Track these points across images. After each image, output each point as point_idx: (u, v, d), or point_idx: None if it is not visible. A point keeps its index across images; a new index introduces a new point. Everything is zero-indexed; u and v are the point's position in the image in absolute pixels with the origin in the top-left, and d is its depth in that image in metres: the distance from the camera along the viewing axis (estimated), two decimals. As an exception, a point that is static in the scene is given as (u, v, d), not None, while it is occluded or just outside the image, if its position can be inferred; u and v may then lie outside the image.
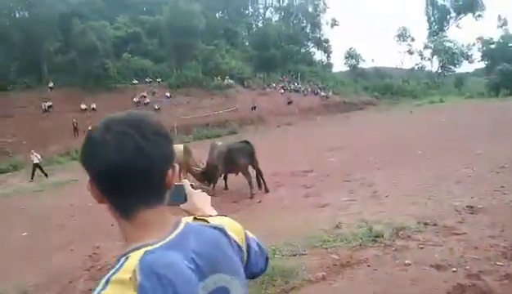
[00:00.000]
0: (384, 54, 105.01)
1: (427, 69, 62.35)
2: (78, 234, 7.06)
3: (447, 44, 54.51)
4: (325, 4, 57.53)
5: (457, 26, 57.95)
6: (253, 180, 8.48)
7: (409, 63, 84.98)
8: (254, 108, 35.70)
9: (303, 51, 54.17)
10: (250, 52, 47.34)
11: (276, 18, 59.73)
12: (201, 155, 10.25)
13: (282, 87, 41.22)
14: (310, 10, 57.73)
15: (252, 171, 8.57)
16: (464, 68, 63.25)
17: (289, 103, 38.46)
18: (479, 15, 54.52)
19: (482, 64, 58.25)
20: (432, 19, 58.42)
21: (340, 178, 8.99)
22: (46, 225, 8.03)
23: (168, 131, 0.88)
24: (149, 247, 0.79)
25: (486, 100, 33.11)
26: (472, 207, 5.44)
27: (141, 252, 0.78)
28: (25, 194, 12.85)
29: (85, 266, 5.35)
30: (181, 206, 1.13)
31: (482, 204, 5.48)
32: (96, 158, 0.80)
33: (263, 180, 8.55)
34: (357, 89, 47.51)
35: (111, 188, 0.82)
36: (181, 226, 0.88)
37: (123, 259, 0.79)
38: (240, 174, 8.70)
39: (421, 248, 4.38)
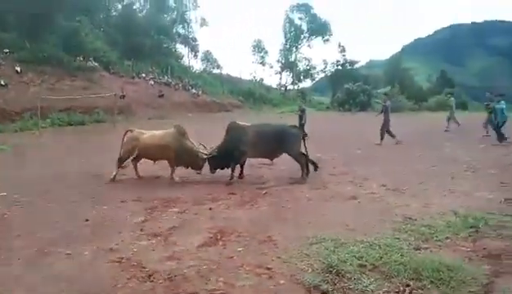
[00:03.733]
0: (241, 62, 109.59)
1: (275, 81, 67.88)
2: None
3: (303, 61, 60.56)
4: (195, 1, 56.67)
5: (308, 46, 64.52)
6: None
7: (261, 74, 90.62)
8: (123, 96, 32.56)
9: (172, 45, 52.06)
10: (114, 36, 43.18)
11: (137, 5, 55.80)
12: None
13: (152, 79, 38.74)
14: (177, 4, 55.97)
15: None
16: (304, 84, 71.10)
17: (161, 96, 36.41)
18: (327, 40, 61.93)
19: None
20: (288, 35, 63.58)
21: (326, 172, 8.61)
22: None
23: None
24: None
25: (340, 114, 37.44)
26: (508, 199, 5.81)
27: None
28: None
29: None
30: None
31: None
32: None
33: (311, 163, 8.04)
34: (224, 91, 48.13)
35: None
36: None
37: None
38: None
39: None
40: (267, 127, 8.16)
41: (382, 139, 13.16)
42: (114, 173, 8.28)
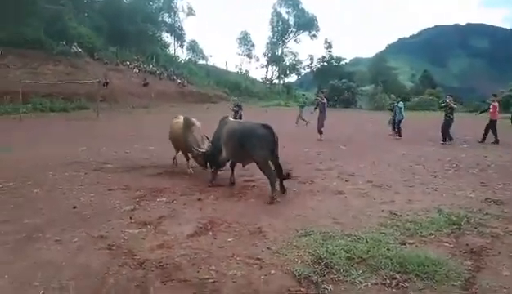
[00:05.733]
0: (227, 54, 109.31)
1: (261, 75, 68.08)
2: None
3: (289, 56, 60.76)
4: (183, -10, 55.98)
5: (295, 41, 64.70)
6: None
7: (247, 66, 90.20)
8: (106, 83, 32.05)
9: (157, 34, 51.37)
10: (98, 22, 42.33)
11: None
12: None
13: (137, 67, 38.24)
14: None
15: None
16: (290, 78, 71.55)
17: (145, 85, 36.07)
18: (314, 35, 62.28)
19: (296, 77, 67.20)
20: (275, 29, 63.55)
21: (313, 167, 8.75)
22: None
23: None
24: None
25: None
26: (488, 198, 6.03)
27: None
28: None
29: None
30: None
31: (496, 197, 6.11)
32: None
33: (282, 179, 6.28)
34: (210, 82, 47.91)
35: None
36: None
37: None
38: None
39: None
40: (237, 125, 6.82)
41: (321, 133, 13.98)
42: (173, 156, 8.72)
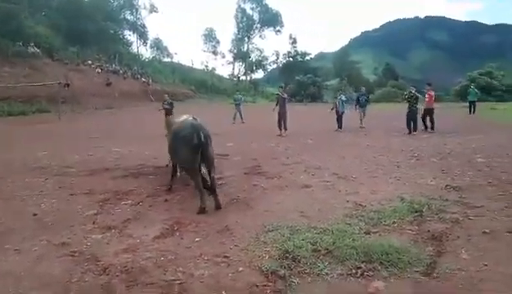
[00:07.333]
0: (192, 51, 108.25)
1: (228, 71, 67.94)
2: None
3: (255, 52, 60.90)
4: (143, -13, 54.89)
5: (260, 36, 64.83)
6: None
7: (213, 63, 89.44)
8: (67, 85, 31.00)
9: (119, 32, 50.06)
10: (57, 21, 40.81)
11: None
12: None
13: (99, 66, 37.18)
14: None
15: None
16: (257, 75, 71.68)
17: (108, 84, 35.16)
18: (279, 31, 62.68)
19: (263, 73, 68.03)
20: (240, 25, 63.45)
21: (280, 161, 8.82)
22: None
23: None
24: None
25: (291, 105, 37.98)
26: (448, 185, 6.26)
27: None
28: None
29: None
30: None
31: (455, 183, 6.36)
32: None
33: (212, 191, 5.37)
34: (175, 80, 47.26)
35: None
36: None
37: None
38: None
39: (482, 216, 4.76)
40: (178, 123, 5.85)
41: (286, 129, 13.88)
42: None
